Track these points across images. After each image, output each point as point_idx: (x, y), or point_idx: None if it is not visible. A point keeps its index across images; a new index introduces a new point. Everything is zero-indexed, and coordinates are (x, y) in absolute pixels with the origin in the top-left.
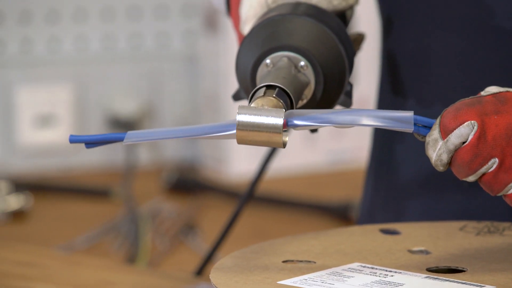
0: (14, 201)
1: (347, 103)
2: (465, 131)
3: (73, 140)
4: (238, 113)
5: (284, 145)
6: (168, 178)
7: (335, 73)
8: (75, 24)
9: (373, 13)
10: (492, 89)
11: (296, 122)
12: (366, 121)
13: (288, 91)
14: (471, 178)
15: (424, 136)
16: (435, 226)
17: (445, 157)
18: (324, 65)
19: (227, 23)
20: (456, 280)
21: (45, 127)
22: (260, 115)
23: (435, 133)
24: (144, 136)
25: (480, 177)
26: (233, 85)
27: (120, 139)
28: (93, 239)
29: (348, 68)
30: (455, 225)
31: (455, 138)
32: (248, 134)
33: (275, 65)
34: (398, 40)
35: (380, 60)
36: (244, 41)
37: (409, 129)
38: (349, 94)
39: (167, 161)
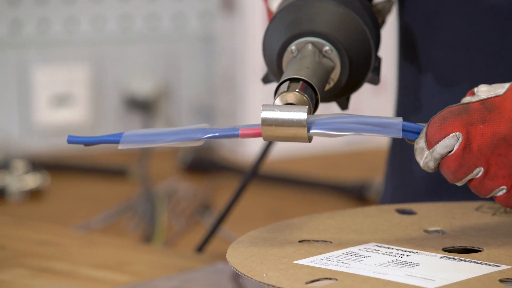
0: (31, 180)
1: (375, 80)
2: (450, 142)
3: (71, 141)
4: (263, 110)
5: (310, 139)
6: (184, 158)
7: (360, 53)
8: (92, 4)
9: None
10: (483, 91)
11: None
12: (354, 129)
13: (311, 82)
14: (458, 184)
15: (413, 141)
16: (451, 206)
17: (431, 165)
18: (349, 47)
19: (243, 3)
20: (472, 260)
21: (62, 106)
22: (284, 111)
23: (421, 142)
24: (140, 140)
25: (468, 181)
26: (249, 65)
27: (116, 142)
28: (109, 218)
29: (373, 47)
30: (471, 205)
31: (440, 148)
32: (273, 130)
33: (300, 51)
34: (409, 17)
35: (397, 36)
36: (269, 27)
37: (398, 135)
38: (377, 70)
39: None
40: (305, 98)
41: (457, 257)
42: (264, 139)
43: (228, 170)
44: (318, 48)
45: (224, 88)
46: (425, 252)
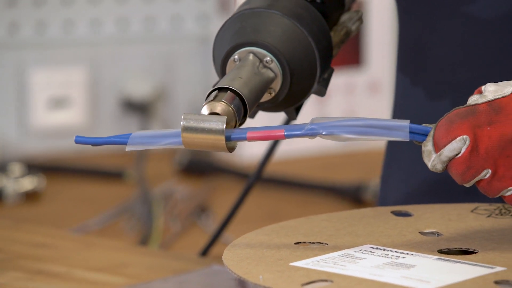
0: (28, 183)
1: (321, 92)
2: (458, 145)
3: (79, 141)
4: (183, 119)
5: (230, 150)
6: (180, 160)
7: (304, 65)
8: (90, 6)
9: None
10: (490, 91)
11: (290, 133)
12: (360, 132)
13: (241, 93)
14: (466, 185)
15: (421, 142)
16: (447, 208)
17: (439, 167)
18: (291, 58)
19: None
20: (467, 262)
21: (59, 108)
22: (203, 121)
23: (429, 145)
24: (147, 142)
25: (476, 182)
26: None
27: (123, 143)
28: (106, 220)
29: (319, 59)
30: (467, 207)
31: (448, 152)
32: (193, 138)
33: (241, 60)
34: (407, 18)
35: (396, 37)
36: (218, 35)
37: (405, 138)
38: (325, 82)
39: None
40: (230, 108)
41: (452, 259)
42: (185, 147)
43: (224, 172)
44: (259, 58)
45: None
46: (421, 254)
